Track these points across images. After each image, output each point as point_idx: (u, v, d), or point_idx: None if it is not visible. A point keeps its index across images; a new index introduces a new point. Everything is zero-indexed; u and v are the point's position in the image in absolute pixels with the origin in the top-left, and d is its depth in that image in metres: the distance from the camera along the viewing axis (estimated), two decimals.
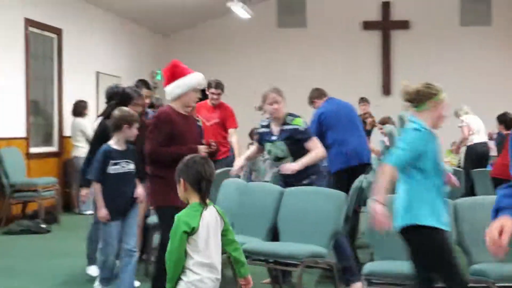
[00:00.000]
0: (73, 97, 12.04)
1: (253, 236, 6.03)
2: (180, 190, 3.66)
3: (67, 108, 11.68)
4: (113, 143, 5.55)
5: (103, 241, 5.64)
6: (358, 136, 7.86)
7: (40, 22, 11.22)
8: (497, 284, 4.74)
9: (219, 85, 8.82)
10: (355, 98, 13.01)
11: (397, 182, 4.43)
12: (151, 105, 8.11)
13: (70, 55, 12.17)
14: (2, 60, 10.14)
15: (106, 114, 6.59)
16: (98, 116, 7.11)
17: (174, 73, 5.46)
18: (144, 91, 7.23)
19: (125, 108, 5.78)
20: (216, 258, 3.64)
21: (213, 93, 8.72)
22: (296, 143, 6.21)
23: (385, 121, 10.51)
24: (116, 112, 5.60)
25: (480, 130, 11.84)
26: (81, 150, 11.12)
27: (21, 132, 10.65)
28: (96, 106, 13.10)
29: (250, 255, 5.61)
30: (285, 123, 6.28)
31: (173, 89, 5.42)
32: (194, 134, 5.56)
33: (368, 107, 13.03)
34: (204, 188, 3.62)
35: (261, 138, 6.48)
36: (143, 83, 7.82)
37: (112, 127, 5.56)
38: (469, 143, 11.80)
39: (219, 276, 3.65)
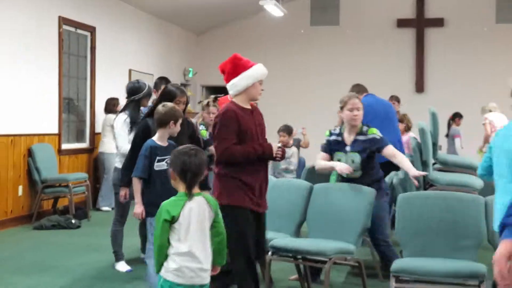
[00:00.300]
0: (105, 95, 12.10)
1: (281, 232, 6.00)
2: (172, 179, 3.87)
3: (100, 105, 11.76)
4: (157, 139, 5.42)
5: None
6: (394, 133, 7.76)
7: (74, 20, 11.29)
8: None
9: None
10: (388, 95, 12.90)
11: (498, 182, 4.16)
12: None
13: (103, 52, 12.24)
14: (36, 57, 10.21)
15: (130, 111, 6.73)
16: (119, 112, 7.11)
17: (237, 66, 5.17)
18: None
19: (170, 104, 5.59)
20: (199, 248, 3.73)
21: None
22: (370, 154, 5.97)
23: (401, 119, 10.33)
24: (162, 108, 5.43)
25: None
26: (107, 145, 11.19)
27: (54, 128, 10.73)
28: None
29: (278, 251, 5.59)
30: (361, 133, 6.00)
31: (238, 82, 5.11)
32: (259, 129, 5.27)
33: (398, 106, 12.77)
34: (189, 178, 3.76)
35: (330, 147, 6.14)
36: (163, 80, 7.81)
37: (157, 123, 5.42)
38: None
39: (204, 266, 3.74)
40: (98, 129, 11.91)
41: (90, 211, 10.55)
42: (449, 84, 15.73)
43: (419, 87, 16.10)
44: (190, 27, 16.47)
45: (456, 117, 13.90)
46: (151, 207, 5.11)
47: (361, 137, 5.97)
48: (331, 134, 6.18)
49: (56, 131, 10.77)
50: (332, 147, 6.11)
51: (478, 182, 7.20)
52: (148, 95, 6.85)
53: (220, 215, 3.90)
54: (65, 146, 11.05)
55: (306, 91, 16.42)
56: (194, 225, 3.73)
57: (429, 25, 16.25)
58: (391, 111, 7.95)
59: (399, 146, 7.86)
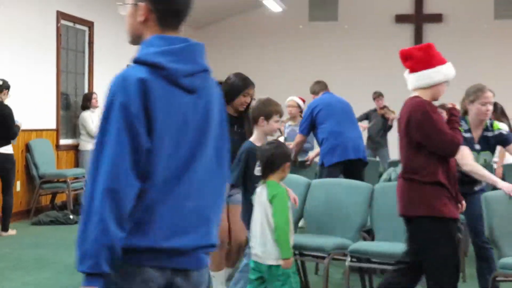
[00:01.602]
0: (103, 90, 12.09)
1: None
2: None
3: (98, 100, 11.73)
4: (255, 140, 4.94)
5: None
6: (355, 130, 7.79)
7: (72, 15, 11.28)
8: None
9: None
10: (386, 91, 12.91)
11: None
12: None
13: (101, 48, 12.23)
14: (34, 52, 10.21)
15: None
16: None
17: (433, 57, 4.70)
18: None
19: (264, 98, 5.12)
20: None
21: None
22: (493, 150, 5.48)
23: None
24: (255, 102, 5.02)
25: None
26: (83, 143, 11.15)
27: (52, 124, 10.73)
28: None
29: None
30: (487, 129, 5.40)
31: (433, 75, 4.63)
32: None
33: (383, 100, 12.65)
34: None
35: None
36: None
37: (252, 121, 4.97)
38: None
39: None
40: None
41: None
42: None
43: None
44: (188, 22, 16.23)
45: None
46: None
47: (488, 133, 5.38)
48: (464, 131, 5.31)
49: (54, 126, 10.77)
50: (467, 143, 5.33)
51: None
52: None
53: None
54: (63, 141, 11.05)
55: (305, 87, 16.38)
56: None
57: (427, 20, 16.24)
58: (349, 109, 7.94)
59: (362, 143, 7.90)
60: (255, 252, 4.46)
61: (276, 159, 4.49)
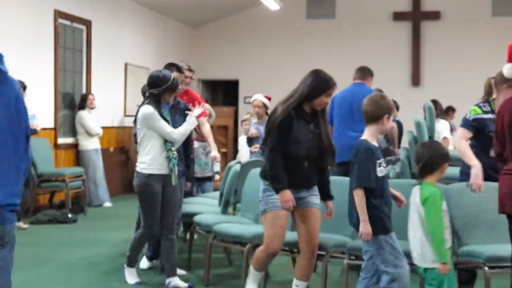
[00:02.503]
0: (101, 89, 12.11)
1: None
2: None
3: (96, 99, 11.72)
4: (370, 138, 4.66)
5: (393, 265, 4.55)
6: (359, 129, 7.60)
7: (70, 13, 11.27)
8: (487, 264, 4.86)
9: (191, 69, 7.45)
10: (384, 89, 12.88)
11: None
12: None
13: (99, 46, 12.22)
14: (31, 51, 10.20)
15: (153, 102, 5.87)
16: (142, 104, 6.07)
17: None
18: (175, 74, 6.36)
19: (379, 94, 4.89)
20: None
21: (187, 77, 7.21)
22: None
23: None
24: (374, 98, 4.72)
25: None
26: (82, 142, 11.19)
27: (50, 122, 10.72)
28: (124, 97, 13.15)
29: None
30: None
31: None
32: None
33: None
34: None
35: (482, 124, 5.53)
36: (174, 66, 7.30)
37: (368, 117, 4.68)
38: None
39: None
40: None
41: (86, 205, 10.58)
42: (445, 78, 15.72)
43: (415, 80, 16.10)
44: (186, 20, 16.44)
45: (449, 111, 13.89)
46: (378, 224, 4.52)
47: None
48: (483, 111, 5.52)
49: (52, 125, 10.77)
50: (486, 124, 5.47)
51: None
52: (171, 89, 5.95)
53: None
54: (61, 140, 11.05)
55: None
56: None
57: (425, 18, 16.23)
58: (356, 107, 7.65)
59: None
60: (413, 255, 4.51)
61: (436, 160, 4.48)
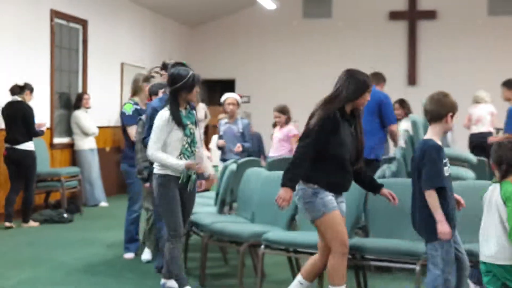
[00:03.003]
0: (98, 88, 12.10)
1: (274, 225, 6.01)
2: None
3: (92, 99, 11.71)
4: (435, 138, 4.60)
5: (445, 264, 4.54)
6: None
7: (66, 13, 11.26)
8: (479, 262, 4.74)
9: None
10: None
11: None
12: None
13: (95, 46, 12.21)
14: (28, 51, 10.19)
15: (171, 103, 5.49)
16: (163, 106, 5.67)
17: None
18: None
19: (442, 92, 4.72)
20: None
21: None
22: None
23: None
24: (437, 96, 4.63)
25: (480, 120, 11.72)
26: (78, 142, 11.18)
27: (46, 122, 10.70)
28: (120, 97, 13.14)
29: (271, 244, 5.61)
30: None
31: None
32: None
33: None
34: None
35: None
36: (180, 65, 7.17)
37: (431, 116, 4.60)
38: (471, 133, 11.77)
39: None
40: None
41: (82, 205, 10.57)
42: (441, 77, 15.73)
43: (411, 79, 16.12)
44: (183, 20, 16.44)
45: None
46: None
47: None
48: None
49: (48, 125, 10.74)
50: None
51: (469, 174, 7.22)
52: (189, 87, 5.49)
53: None
54: (57, 140, 11.04)
55: (299, 84, 16.39)
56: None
57: (421, 17, 16.25)
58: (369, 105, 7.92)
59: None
60: (488, 254, 4.42)
61: None
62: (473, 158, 7.36)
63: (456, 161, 7.36)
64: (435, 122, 4.57)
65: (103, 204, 11.29)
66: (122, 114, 7.44)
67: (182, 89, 5.47)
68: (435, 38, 16.10)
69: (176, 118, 5.45)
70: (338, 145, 4.81)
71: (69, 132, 11.42)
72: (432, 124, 4.58)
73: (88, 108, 11.31)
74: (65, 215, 9.63)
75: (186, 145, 5.52)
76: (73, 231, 8.94)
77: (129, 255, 7.18)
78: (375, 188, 5.11)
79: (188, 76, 5.47)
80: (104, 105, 12.35)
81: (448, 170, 4.53)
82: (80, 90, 11.82)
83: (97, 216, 10.25)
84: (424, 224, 4.53)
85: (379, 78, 8.32)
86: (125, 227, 7.26)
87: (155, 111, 5.80)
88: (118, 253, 7.35)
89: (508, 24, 15.85)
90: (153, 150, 5.48)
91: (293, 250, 5.67)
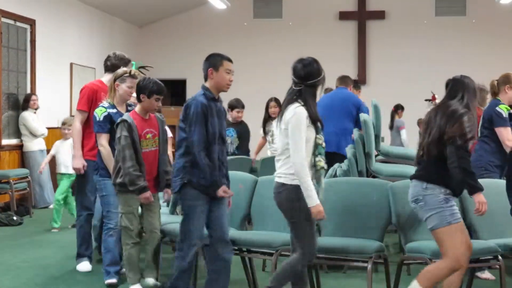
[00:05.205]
0: (46, 89, 11.93)
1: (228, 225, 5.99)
2: None
3: (40, 99, 11.55)
4: None
5: None
6: (333, 126, 8.06)
7: (13, 12, 11.08)
8: (434, 260, 4.92)
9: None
10: (330, 86, 12.98)
11: None
12: None
13: (44, 46, 12.04)
14: None
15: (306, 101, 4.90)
16: (291, 102, 4.93)
17: None
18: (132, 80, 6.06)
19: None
20: None
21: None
22: None
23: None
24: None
25: None
26: (28, 144, 11.04)
27: None
28: (69, 97, 12.99)
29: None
30: None
31: None
32: None
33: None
34: None
35: None
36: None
37: None
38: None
39: None
40: None
41: (31, 207, 10.42)
42: (391, 76, 15.95)
43: (362, 79, 16.29)
44: (132, 20, 16.32)
45: (398, 109, 14.08)
46: None
47: None
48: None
49: None
50: None
51: None
52: (322, 80, 5.21)
53: None
54: (5, 141, 10.86)
55: (249, 84, 16.42)
56: None
57: (370, 17, 16.45)
58: (333, 104, 8.58)
59: (339, 139, 8.30)
60: None
61: None
62: None
63: (407, 159, 7.48)
64: None
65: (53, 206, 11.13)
66: (94, 118, 6.11)
67: (317, 85, 5.10)
68: (384, 38, 16.31)
69: (315, 116, 4.82)
70: None
71: (18, 134, 11.24)
72: None
73: (36, 109, 11.13)
74: (15, 218, 9.48)
75: (322, 143, 4.83)
76: (22, 234, 8.81)
77: (112, 280, 5.99)
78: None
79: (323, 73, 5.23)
80: (53, 106, 12.19)
81: None
82: (28, 90, 11.64)
83: (47, 218, 10.09)
84: None
85: (346, 80, 8.97)
86: (103, 247, 6.07)
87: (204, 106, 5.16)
88: (68, 255, 7.26)
89: (454, 24, 16.16)
90: (303, 160, 4.65)
91: (246, 250, 5.67)
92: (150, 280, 5.67)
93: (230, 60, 5.42)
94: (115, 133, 5.70)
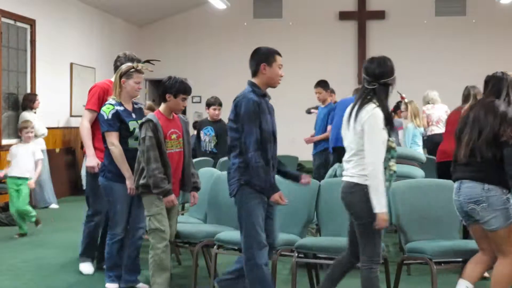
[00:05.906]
0: (46, 89, 11.93)
1: (225, 225, 6.01)
2: None
3: (41, 99, 11.54)
4: None
5: None
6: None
7: (13, 12, 11.08)
8: (434, 260, 4.99)
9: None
10: (332, 87, 12.98)
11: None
12: None
13: (44, 46, 12.04)
14: None
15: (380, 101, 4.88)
16: (367, 101, 4.91)
17: None
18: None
19: None
20: None
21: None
22: None
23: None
24: None
25: (441, 120, 11.85)
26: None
27: None
28: (69, 97, 12.99)
29: (224, 244, 5.60)
30: None
31: None
32: None
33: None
34: None
35: None
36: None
37: None
38: (428, 133, 11.85)
39: None
40: None
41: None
42: None
43: (361, 79, 16.26)
44: (132, 20, 16.32)
45: (397, 110, 14.06)
46: None
47: None
48: None
49: None
50: None
51: (419, 173, 7.33)
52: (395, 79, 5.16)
53: None
54: (5, 141, 10.86)
55: None
56: None
57: (370, 17, 16.45)
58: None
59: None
60: None
61: None
62: (423, 157, 7.49)
63: (408, 159, 7.48)
64: None
65: (54, 206, 11.15)
66: (101, 117, 5.81)
67: (390, 84, 5.04)
68: (384, 38, 16.30)
69: (389, 118, 4.76)
70: None
71: (17, 134, 11.22)
72: None
73: (36, 109, 11.13)
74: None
75: (395, 147, 4.67)
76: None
77: (113, 286, 5.89)
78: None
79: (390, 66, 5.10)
80: (53, 106, 12.19)
81: None
82: (28, 90, 11.64)
83: (47, 218, 10.10)
84: None
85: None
86: (106, 252, 5.92)
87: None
88: (68, 255, 7.27)
89: (454, 24, 16.17)
90: (381, 162, 4.52)
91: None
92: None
93: (280, 55, 5.22)
94: (123, 132, 5.64)
